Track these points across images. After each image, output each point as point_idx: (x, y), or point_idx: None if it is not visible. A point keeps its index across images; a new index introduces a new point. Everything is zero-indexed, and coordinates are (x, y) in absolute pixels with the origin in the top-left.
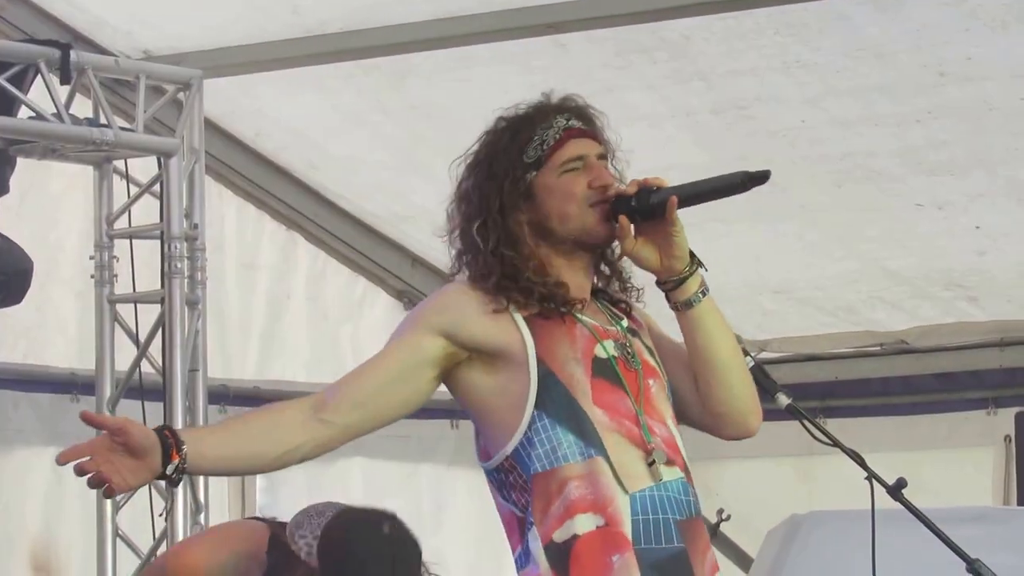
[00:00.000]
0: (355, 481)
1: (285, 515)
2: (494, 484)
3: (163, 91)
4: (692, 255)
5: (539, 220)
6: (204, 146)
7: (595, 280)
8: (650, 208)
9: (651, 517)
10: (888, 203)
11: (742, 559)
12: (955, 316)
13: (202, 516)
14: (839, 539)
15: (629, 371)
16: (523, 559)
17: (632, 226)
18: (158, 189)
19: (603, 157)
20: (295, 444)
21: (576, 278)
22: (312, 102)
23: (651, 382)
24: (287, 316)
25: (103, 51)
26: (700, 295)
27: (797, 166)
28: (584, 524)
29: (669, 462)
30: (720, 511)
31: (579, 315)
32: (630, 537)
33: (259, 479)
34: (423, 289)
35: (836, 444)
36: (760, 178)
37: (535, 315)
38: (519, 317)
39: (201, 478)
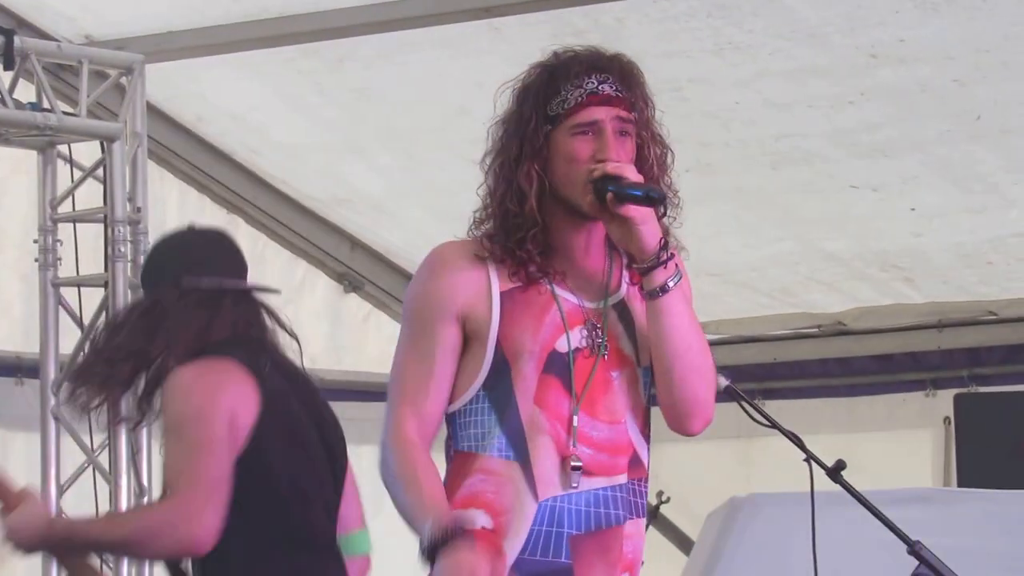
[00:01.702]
0: None
1: None
2: None
3: (106, 76)
4: (664, 247)
5: (548, 176)
6: (146, 130)
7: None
8: (603, 196)
9: (545, 529)
10: (823, 185)
11: (683, 541)
12: (892, 297)
13: (146, 499)
14: (779, 521)
15: (592, 361)
16: None
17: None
18: (101, 173)
19: (626, 122)
20: None
21: (578, 239)
22: (253, 87)
23: (615, 374)
24: None
25: (46, 36)
26: (659, 291)
27: (732, 148)
28: (476, 520)
29: (589, 471)
30: (660, 493)
31: (558, 292)
32: (517, 546)
33: None
34: (363, 272)
35: (775, 426)
36: (659, 199)
37: (514, 289)
38: (496, 292)
39: (144, 460)
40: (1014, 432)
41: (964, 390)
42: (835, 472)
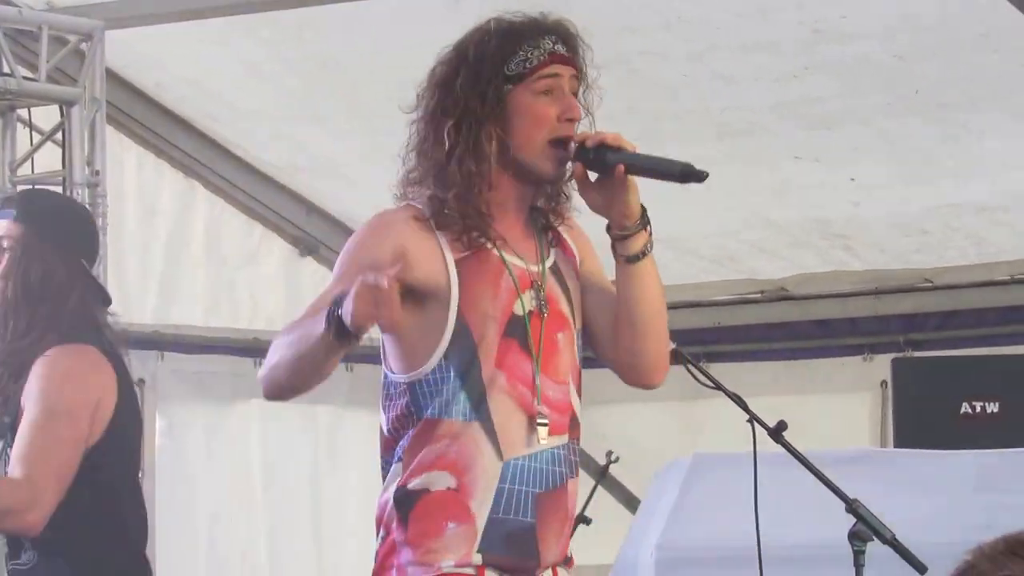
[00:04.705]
0: (253, 423)
1: (187, 456)
2: (383, 389)
3: (66, 41)
4: (643, 213)
5: (502, 138)
6: (106, 96)
7: (535, 201)
8: (603, 166)
9: (515, 488)
10: (768, 156)
11: (629, 500)
12: (832, 265)
13: None
14: (723, 480)
15: (541, 323)
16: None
17: (589, 173)
18: (60, 137)
19: (575, 88)
20: None
21: (517, 203)
22: (212, 54)
23: (559, 335)
24: (186, 262)
25: (6, 1)
26: (642, 254)
27: (681, 120)
28: (439, 481)
29: (552, 429)
30: (609, 453)
31: (506, 256)
32: (487, 506)
33: (159, 422)
34: (318, 236)
35: (719, 388)
36: (697, 176)
37: (466, 257)
38: (450, 257)
39: None
40: (947, 395)
41: (900, 355)
42: (777, 433)
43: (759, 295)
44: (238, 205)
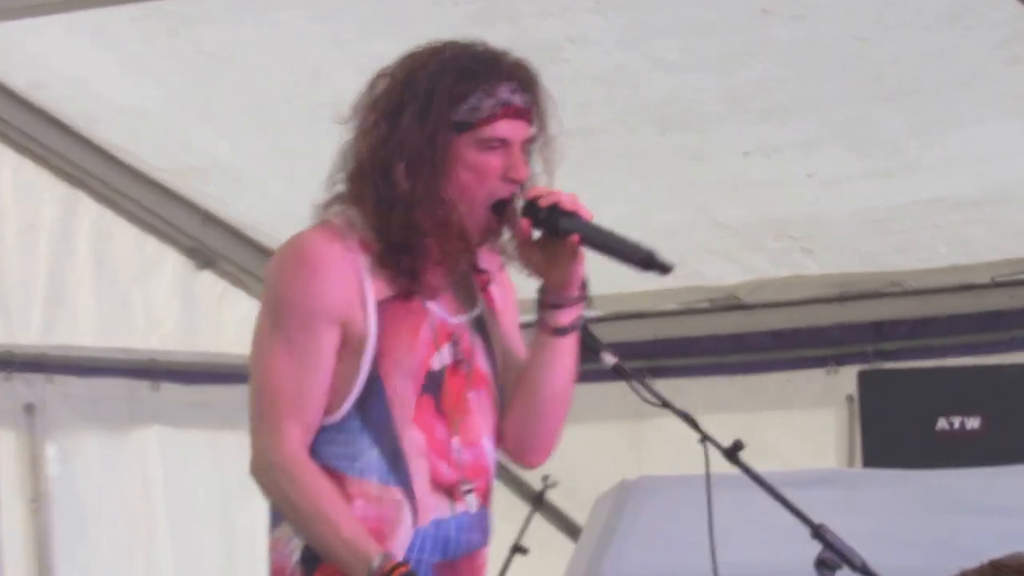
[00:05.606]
0: (152, 450)
1: (83, 485)
2: None
3: None
4: (583, 287)
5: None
6: None
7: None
8: (555, 230)
9: (414, 557)
10: (714, 150)
11: (570, 528)
12: (789, 269)
13: None
14: (672, 505)
15: (456, 380)
16: (276, 521)
17: (533, 231)
18: None
19: (530, 142)
20: None
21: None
22: (92, 48)
23: (471, 394)
24: (72, 278)
25: None
26: (567, 329)
27: (616, 113)
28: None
29: (467, 492)
30: (545, 478)
31: (428, 305)
32: None
33: (49, 449)
34: (215, 247)
35: (667, 405)
36: (661, 267)
37: (390, 300)
38: (371, 301)
39: None
40: (922, 410)
41: (868, 366)
42: (732, 453)
43: (708, 304)
44: (128, 215)
